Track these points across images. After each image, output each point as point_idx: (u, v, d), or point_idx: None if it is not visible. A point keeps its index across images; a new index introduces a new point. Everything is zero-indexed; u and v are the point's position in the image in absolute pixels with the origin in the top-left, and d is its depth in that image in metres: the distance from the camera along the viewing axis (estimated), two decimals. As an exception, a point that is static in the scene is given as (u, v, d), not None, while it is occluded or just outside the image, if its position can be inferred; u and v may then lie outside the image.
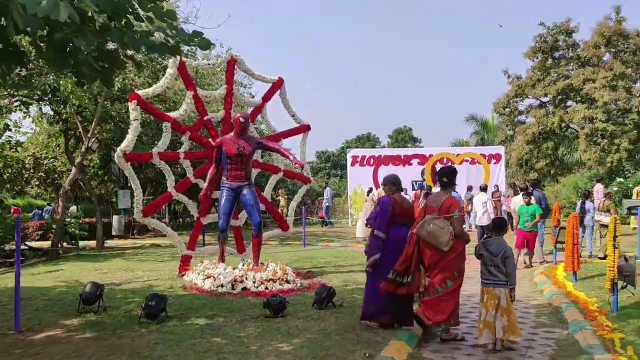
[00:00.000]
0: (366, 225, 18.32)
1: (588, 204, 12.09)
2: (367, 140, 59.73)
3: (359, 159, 22.83)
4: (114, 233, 18.87)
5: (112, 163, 19.28)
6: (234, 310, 6.77)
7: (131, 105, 8.68)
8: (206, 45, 4.41)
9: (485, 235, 6.36)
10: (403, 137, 57.98)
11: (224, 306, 6.95)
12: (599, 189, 14.89)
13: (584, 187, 22.28)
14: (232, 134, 8.77)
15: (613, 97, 19.58)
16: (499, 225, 5.76)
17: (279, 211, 23.55)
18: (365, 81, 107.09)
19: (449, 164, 21.87)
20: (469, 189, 17.85)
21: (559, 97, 22.41)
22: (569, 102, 22.81)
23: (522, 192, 11.96)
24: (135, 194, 8.84)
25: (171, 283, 8.62)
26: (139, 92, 8.91)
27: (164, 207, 25.55)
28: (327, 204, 22.76)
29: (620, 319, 6.29)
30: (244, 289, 7.97)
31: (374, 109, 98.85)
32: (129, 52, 5.29)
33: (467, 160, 21.95)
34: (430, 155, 22.18)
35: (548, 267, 10.48)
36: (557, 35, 21.77)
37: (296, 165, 8.39)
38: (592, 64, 21.44)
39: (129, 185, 20.40)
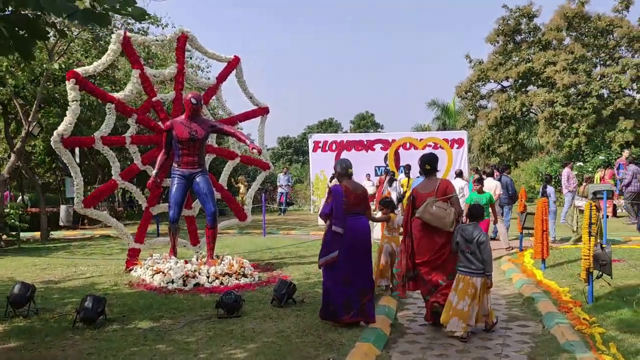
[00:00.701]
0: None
1: (549, 189, 11.88)
2: (330, 126, 59.31)
3: (320, 145, 22.23)
4: (61, 223, 17.81)
5: (59, 150, 18.16)
6: (184, 310, 6.14)
7: (69, 84, 7.84)
8: (140, 15, 3.75)
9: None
10: (365, 122, 57.83)
11: (172, 306, 6.31)
12: (567, 173, 14.71)
13: (545, 171, 22.41)
14: (183, 116, 8.06)
15: (573, 79, 19.56)
16: (475, 213, 5.74)
17: (240, 199, 23.32)
18: (328, 66, 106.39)
19: (412, 149, 21.60)
20: (433, 174, 17.50)
21: (520, 81, 22.35)
22: (530, 87, 22.79)
23: (486, 178, 11.65)
24: (75, 182, 8.03)
25: (117, 280, 7.90)
26: (78, 70, 8.06)
27: (118, 194, 24.54)
28: (281, 190, 22.13)
29: (597, 311, 5.96)
30: (197, 285, 7.33)
31: (336, 95, 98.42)
32: (52, 20, 4.54)
33: (430, 145, 21.62)
34: (393, 141, 21.77)
35: (515, 253, 10.20)
36: (520, 18, 21.62)
37: (253, 149, 7.75)
38: (553, 47, 21.40)
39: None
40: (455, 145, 21.65)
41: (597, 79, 20.23)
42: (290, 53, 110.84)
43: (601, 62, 21.04)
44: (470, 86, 23.58)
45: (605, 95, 20.68)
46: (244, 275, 7.71)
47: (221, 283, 7.43)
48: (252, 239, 13.53)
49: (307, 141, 22.78)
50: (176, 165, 8.09)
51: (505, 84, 23.53)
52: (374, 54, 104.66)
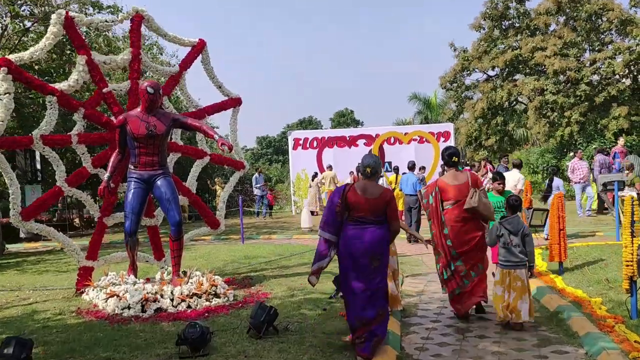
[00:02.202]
0: (312, 214, 16.64)
1: (557, 181, 10.87)
2: (309, 124, 58.19)
3: (301, 142, 21.10)
4: (22, 235, 16.34)
5: (16, 154, 16.67)
6: (139, 347, 4.88)
7: (0, 74, 6.54)
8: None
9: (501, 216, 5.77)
10: (345, 119, 56.82)
11: (125, 341, 5.06)
12: (573, 164, 13.68)
13: (536, 162, 21.53)
14: (138, 109, 6.82)
15: (564, 65, 18.64)
16: (515, 204, 5.66)
17: (218, 203, 22.02)
18: (306, 64, 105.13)
19: (397, 143, 20.57)
20: (422, 169, 16.49)
21: (507, 69, 21.41)
22: (517, 75, 21.87)
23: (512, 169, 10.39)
24: (10, 190, 6.72)
25: (63, 306, 6.59)
26: (10, 57, 6.76)
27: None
28: (257, 193, 20.68)
29: (645, 328, 4.90)
30: (159, 310, 6.10)
31: (316, 93, 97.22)
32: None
33: (415, 140, 20.69)
34: (377, 135, 20.74)
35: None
36: (509, 2, 20.63)
37: (222, 146, 6.54)
38: (542, 32, 20.47)
39: (38, 179, 17.89)
40: (442, 139, 20.71)
41: (588, 64, 19.35)
42: (267, 51, 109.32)
43: (591, 48, 20.18)
44: (454, 76, 22.58)
45: (597, 82, 19.82)
46: (216, 296, 6.49)
47: (188, 306, 6.20)
48: (229, 247, 12.27)
49: (287, 140, 21.57)
50: (132, 167, 6.85)
51: (490, 73, 22.58)
52: (352, 50, 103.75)
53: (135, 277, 7.04)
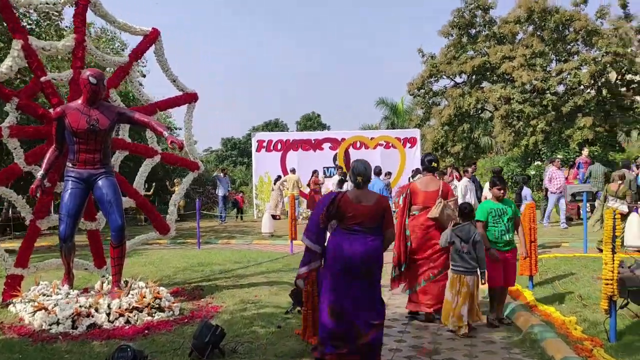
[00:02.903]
0: (274, 218, 15.99)
1: (525, 191, 10.61)
2: (275, 127, 57.56)
3: (265, 144, 20.48)
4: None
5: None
6: (61, 372, 4.24)
7: None
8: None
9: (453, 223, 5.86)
10: (312, 123, 56.44)
11: (46, 365, 4.40)
12: (550, 173, 13.44)
13: (509, 171, 21.41)
14: (79, 101, 6.14)
15: (531, 76, 18.61)
16: (467, 211, 5.76)
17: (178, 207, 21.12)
18: (274, 66, 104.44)
19: (363, 148, 20.17)
20: (388, 174, 16.13)
21: (475, 76, 21.30)
22: (485, 83, 21.80)
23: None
24: None
25: (-16, 319, 5.85)
26: None
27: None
28: (220, 193, 19.30)
29: (625, 352, 4.51)
30: (92, 326, 5.42)
31: (282, 96, 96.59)
32: None
33: (381, 145, 20.32)
34: (343, 139, 20.30)
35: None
36: (475, 10, 20.53)
37: (172, 144, 5.93)
38: (509, 40, 20.44)
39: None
40: (408, 144, 20.42)
41: (554, 74, 19.38)
42: (234, 52, 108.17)
43: (557, 58, 20.24)
44: (422, 82, 22.35)
45: (563, 92, 19.89)
46: (160, 309, 5.86)
47: (127, 322, 5.55)
48: (184, 252, 11.56)
49: (252, 142, 20.91)
50: (71, 165, 6.17)
51: (458, 80, 22.46)
52: (321, 53, 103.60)
53: (71, 287, 6.36)
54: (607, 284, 4.69)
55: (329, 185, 17.42)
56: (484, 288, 6.03)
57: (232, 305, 6.35)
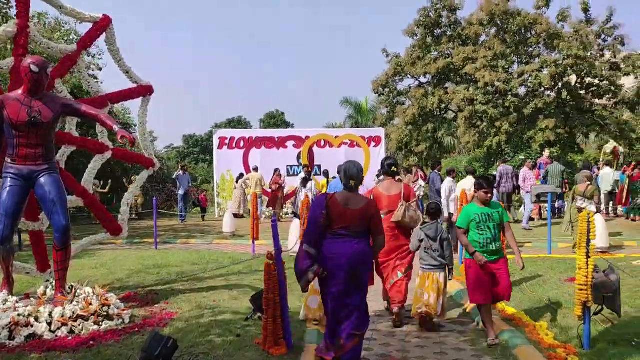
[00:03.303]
0: (236, 216, 15.55)
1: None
2: (239, 124, 56.79)
3: (227, 141, 19.96)
4: None
5: None
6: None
7: None
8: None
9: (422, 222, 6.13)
10: (275, 121, 55.98)
11: (-28, 384, 3.93)
12: (524, 173, 13.48)
13: (465, 171, 21.51)
14: (20, 91, 5.63)
15: (493, 77, 18.70)
16: (435, 211, 6.06)
17: (134, 203, 20.31)
18: (237, 63, 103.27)
19: (327, 147, 19.91)
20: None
21: (439, 77, 21.32)
22: (448, 84, 21.84)
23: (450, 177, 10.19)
24: None
25: None
26: None
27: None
28: (182, 191, 18.27)
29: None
30: (32, 337, 4.95)
31: (246, 93, 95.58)
32: None
33: (346, 143, 20.10)
34: (307, 137, 19.97)
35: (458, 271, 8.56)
36: (441, 11, 20.51)
37: (123, 139, 5.49)
38: (473, 42, 20.51)
39: None
40: (373, 143, 20.26)
41: (516, 77, 19.55)
42: (196, 47, 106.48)
43: (519, 60, 20.44)
44: (386, 81, 22.23)
45: (524, 94, 20.09)
46: (108, 317, 5.42)
47: (71, 331, 5.09)
48: (140, 253, 11.01)
49: (214, 138, 20.34)
50: (10, 161, 5.64)
51: (422, 80, 22.45)
52: (286, 50, 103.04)
53: (10, 293, 5.82)
54: (582, 290, 4.52)
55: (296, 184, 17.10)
56: (450, 285, 6.37)
57: (188, 312, 5.95)
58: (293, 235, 10.02)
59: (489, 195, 5.29)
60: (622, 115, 20.06)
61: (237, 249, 11.72)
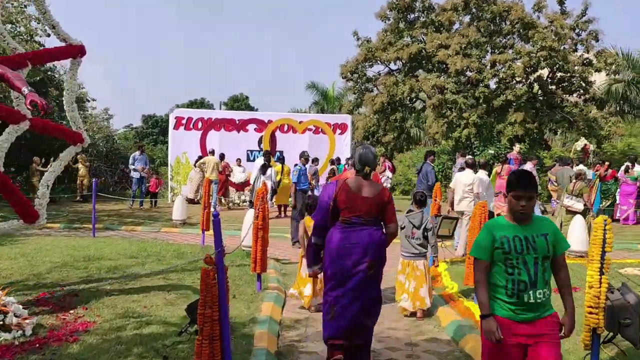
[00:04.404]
0: (191, 202, 14.45)
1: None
2: (201, 106, 54.99)
3: (184, 121, 18.69)
4: None
5: None
6: None
7: None
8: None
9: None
10: (239, 105, 54.48)
11: None
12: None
13: (440, 164, 20.80)
14: None
15: (466, 63, 17.97)
16: (422, 199, 6.01)
17: (78, 183, 18.76)
18: (200, 43, 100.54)
19: (290, 132, 18.88)
20: (315, 161, 14.94)
21: (410, 64, 20.48)
22: (420, 71, 21.04)
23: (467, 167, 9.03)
24: None
25: None
26: None
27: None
28: (136, 175, 16.51)
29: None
30: None
31: (209, 74, 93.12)
32: None
33: (310, 129, 19.13)
34: (270, 122, 18.89)
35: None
36: (416, -7, 19.64)
37: (32, 104, 4.37)
38: (446, 29, 19.73)
39: None
40: (338, 131, 19.37)
41: (489, 66, 18.89)
42: (161, 26, 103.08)
43: (493, 50, 19.78)
44: (356, 66, 21.26)
45: (496, 85, 19.47)
46: (4, 328, 4.31)
47: (-52, 348, 3.96)
48: (73, 240, 9.78)
49: (170, 118, 18.99)
50: None
51: (393, 67, 21.57)
52: (251, 31, 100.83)
53: None
54: (591, 313, 3.68)
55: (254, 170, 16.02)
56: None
57: (109, 321, 4.88)
58: (246, 226, 9.01)
59: (526, 205, 3.00)
60: (591, 112, 19.69)
61: (185, 239, 10.65)
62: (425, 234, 5.80)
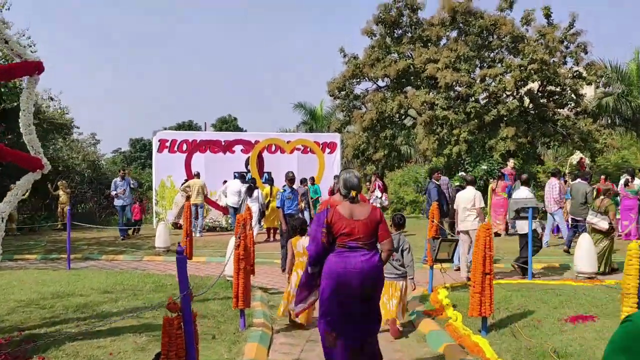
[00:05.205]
0: (176, 227, 13.77)
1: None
2: (189, 129, 54.54)
3: (168, 144, 18.10)
4: None
5: None
6: None
7: None
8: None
9: None
10: (227, 126, 54.08)
11: None
12: (553, 184, 12.23)
13: (424, 182, 20.35)
14: None
15: (456, 77, 17.59)
16: (400, 221, 6.37)
17: (60, 210, 17.99)
18: (189, 65, 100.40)
19: (278, 152, 18.34)
20: (303, 182, 14.39)
21: (398, 80, 20.08)
22: (408, 88, 20.65)
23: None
24: None
25: None
26: None
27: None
28: (120, 202, 15.21)
29: None
30: None
31: (197, 97, 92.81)
32: None
33: (299, 149, 18.61)
34: (257, 142, 18.34)
35: (430, 304, 7.08)
36: (403, 9, 19.29)
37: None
38: (434, 44, 19.39)
39: None
40: (327, 150, 18.84)
41: (478, 80, 18.52)
42: (146, 47, 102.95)
43: (482, 64, 19.45)
44: (343, 83, 20.84)
45: (486, 100, 19.09)
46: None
47: None
48: (44, 275, 9.06)
49: (153, 141, 18.38)
50: None
51: (381, 83, 21.19)
52: (240, 53, 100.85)
53: None
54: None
55: (232, 193, 15.42)
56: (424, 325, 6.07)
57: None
58: (229, 252, 8.39)
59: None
60: (585, 126, 19.34)
61: (168, 269, 10.00)
62: (403, 254, 6.08)
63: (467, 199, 8.56)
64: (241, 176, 15.87)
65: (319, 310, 4.21)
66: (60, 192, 17.90)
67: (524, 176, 9.03)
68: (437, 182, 10.50)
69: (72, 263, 10.46)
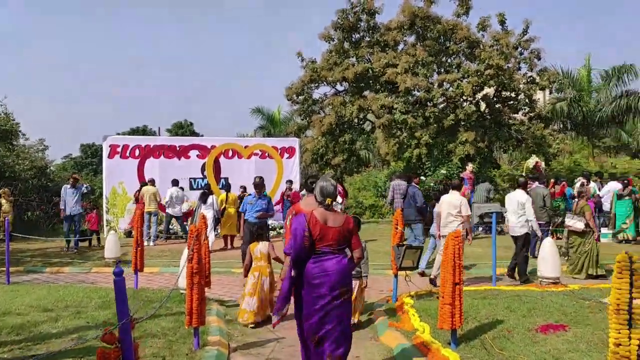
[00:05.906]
0: (130, 235, 12.96)
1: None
2: (143, 134, 53.05)
3: (119, 149, 17.38)
4: None
5: None
6: None
7: None
8: None
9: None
10: (184, 131, 52.95)
11: None
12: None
13: (384, 186, 20.21)
14: None
15: (415, 82, 17.53)
16: (358, 223, 5.83)
17: (1, 219, 16.90)
18: (142, 70, 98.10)
19: (235, 157, 17.86)
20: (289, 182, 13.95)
21: (357, 84, 19.89)
22: (367, 92, 20.48)
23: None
24: None
25: None
26: None
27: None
28: (71, 211, 14.06)
29: None
30: None
31: (152, 102, 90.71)
32: None
33: (257, 154, 18.23)
34: (213, 147, 17.85)
35: (395, 313, 6.79)
36: (360, 14, 19.11)
37: None
38: (392, 48, 19.29)
39: None
40: (286, 155, 18.54)
41: (437, 85, 18.53)
42: (101, 51, 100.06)
43: (440, 69, 19.47)
44: (302, 88, 20.50)
45: (444, 105, 19.12)
46: None
47: None
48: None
49: (104, 146, 17.56)
50: None
51: (339, 87, 20.96)
52: (195, 59, 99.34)
53: None
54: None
55: (184, 199, 14.97)
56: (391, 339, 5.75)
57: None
58: (183, 263, 7.90)
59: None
60: (538, 130, 19.65)
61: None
62: None
63: (452, 204, 8.33)
64: (174, 181, 15.38)
65: (296, 316, 4.37)
66: (3, 201, 16.83)
67: (455, 181, 8.84)
68: (417, 186, 10.43)
69: (13, 277, 9.70)
